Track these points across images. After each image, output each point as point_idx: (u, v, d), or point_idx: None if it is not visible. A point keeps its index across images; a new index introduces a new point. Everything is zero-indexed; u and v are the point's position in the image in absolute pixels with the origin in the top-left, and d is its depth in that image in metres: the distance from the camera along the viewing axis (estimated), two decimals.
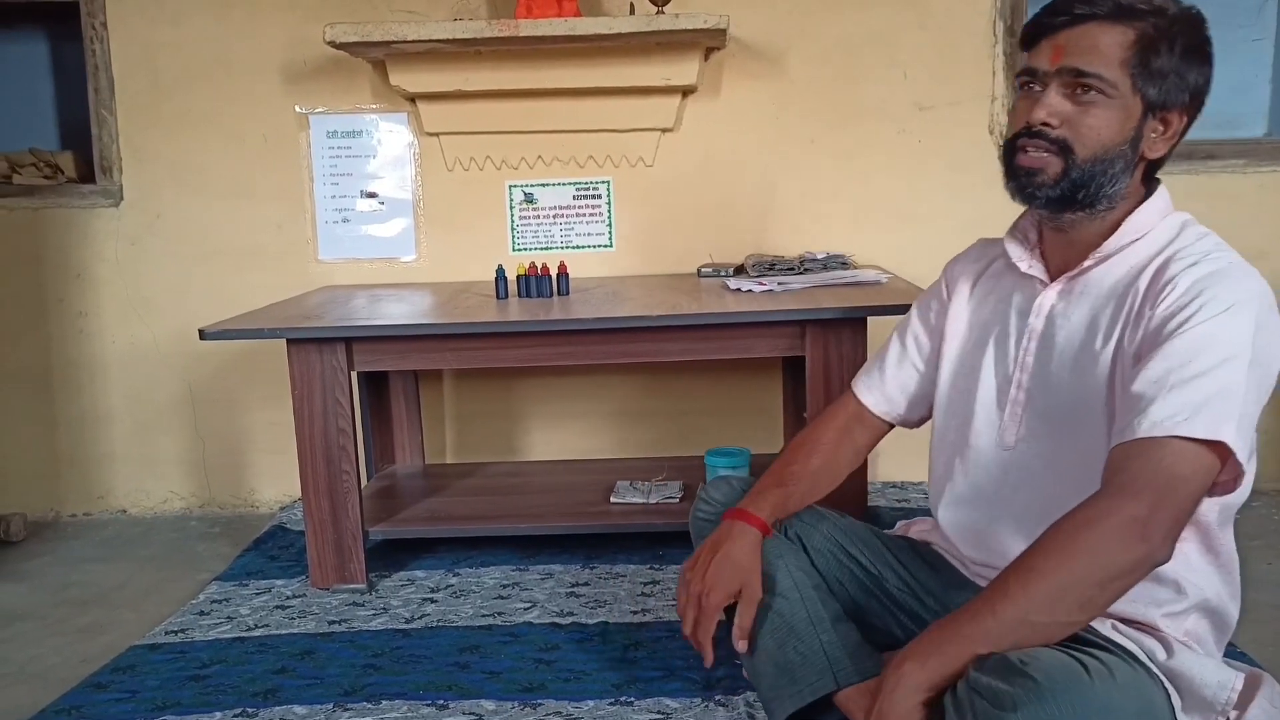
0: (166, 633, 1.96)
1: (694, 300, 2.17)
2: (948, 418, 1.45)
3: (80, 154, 2.84)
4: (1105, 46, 1.18)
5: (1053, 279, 1.32)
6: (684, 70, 2.54)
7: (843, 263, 2.46)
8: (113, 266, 2.77)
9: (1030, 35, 1.25)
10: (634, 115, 2.65)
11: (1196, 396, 1.08)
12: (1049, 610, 1.05)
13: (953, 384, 1.44)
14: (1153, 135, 1.22)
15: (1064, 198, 1.22)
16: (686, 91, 2.65)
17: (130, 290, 2.77)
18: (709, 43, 2.53)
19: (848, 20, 2.63)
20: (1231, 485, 1.15)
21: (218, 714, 1.62)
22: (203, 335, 2.03)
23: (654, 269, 2.74)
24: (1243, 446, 1.08)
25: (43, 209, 2.75)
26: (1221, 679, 1.16)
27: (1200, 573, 1.24)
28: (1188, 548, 1.22)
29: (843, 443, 1.55)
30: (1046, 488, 1.30)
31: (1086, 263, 1.27)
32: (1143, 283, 1.21)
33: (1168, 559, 1.05)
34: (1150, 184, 1.28)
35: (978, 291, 1.44)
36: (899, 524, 1.60)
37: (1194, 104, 1.23)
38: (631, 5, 2.49)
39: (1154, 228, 1.25)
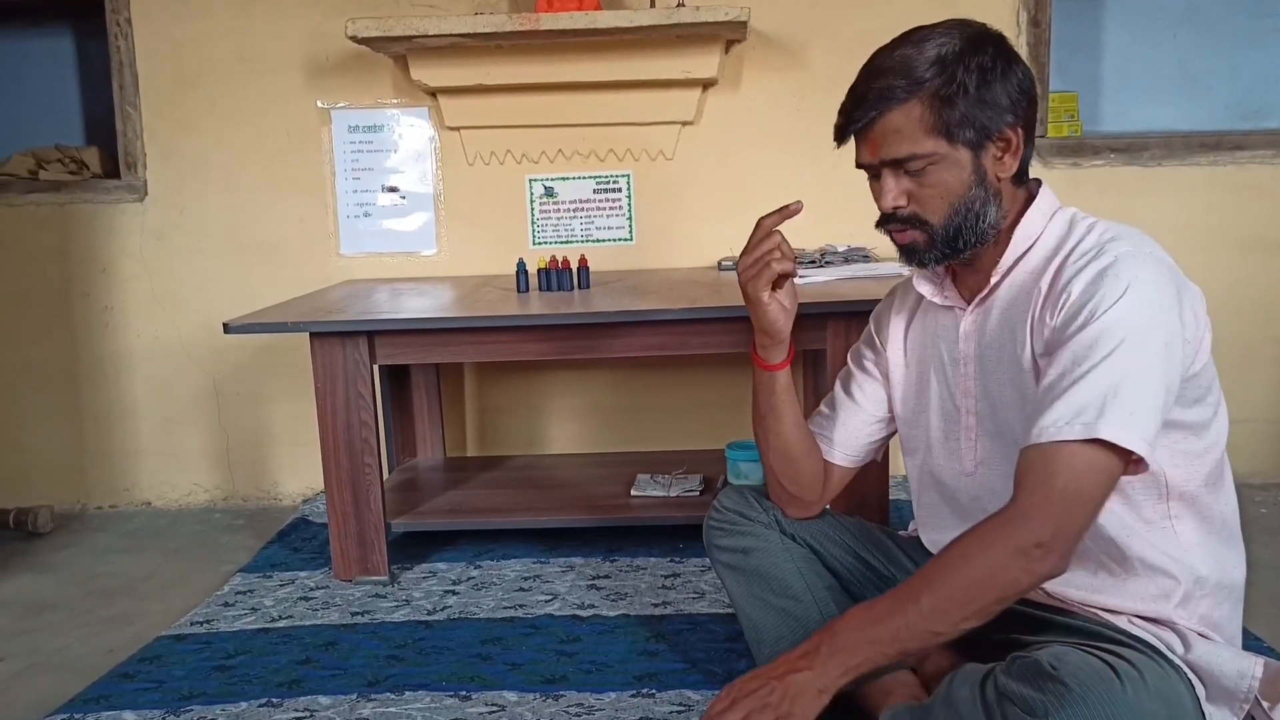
0: (192, 624, 1.98)
1: (714, 293, 2.17)
2: (910, 455, 1.48)
3: (105, 149, 2.87)
4: (905, 128, 1.22)
5: (968, 303, 1.35)
6: (704, 63, 2.53)
7: (864, 256, 2.45)
8: (138, 261, 2.79)
9: (842, 138, 1.30)
10: (654, 108, 2.64)
11: (1081, 398, 1.11)
12: (952, 621, 1.14)
13: (909, 422, 1.47)
14: (997, 159, 1.25)
15: (945, 254, 1.28)
16: (707, 84, 2.64)
17: (155, 285, 2.80)
18: (729, 35, 2.52)
19: (871, 12, 2.61)
20: (1143, 465, 1.14)
21: (243, 704, 1.63)
22: (227, 329, 2.04)
23: (674, 262, 2.74)
24: (1129, 429, 1.09)
25: (69, 204, 2.78)
26: (1241, 668, 1.16)
27: (1196, 551, 1.24)
28: (1181, 527, 1.22)
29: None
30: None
31: (993, 280, 1.30)
32: (1043, 285, 1.24)
33: (1062, 572, 1.12)
34: (1033, 186, 1.30)
35: (912, 333, 1.47)
36: (911, 524, 1.60)
37: (1022, 110, 1.24)
38: None
39: (1043, 230, 1.28)
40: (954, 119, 1.21)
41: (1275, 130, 2.78)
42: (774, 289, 1.39)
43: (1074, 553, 1.11)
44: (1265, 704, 1.17)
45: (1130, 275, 1.14)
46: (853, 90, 1.28)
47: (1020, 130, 1.25)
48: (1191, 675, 1.14)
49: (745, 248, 1.39)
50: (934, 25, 1.26)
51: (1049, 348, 1.19)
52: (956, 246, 1.26)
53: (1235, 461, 1.29)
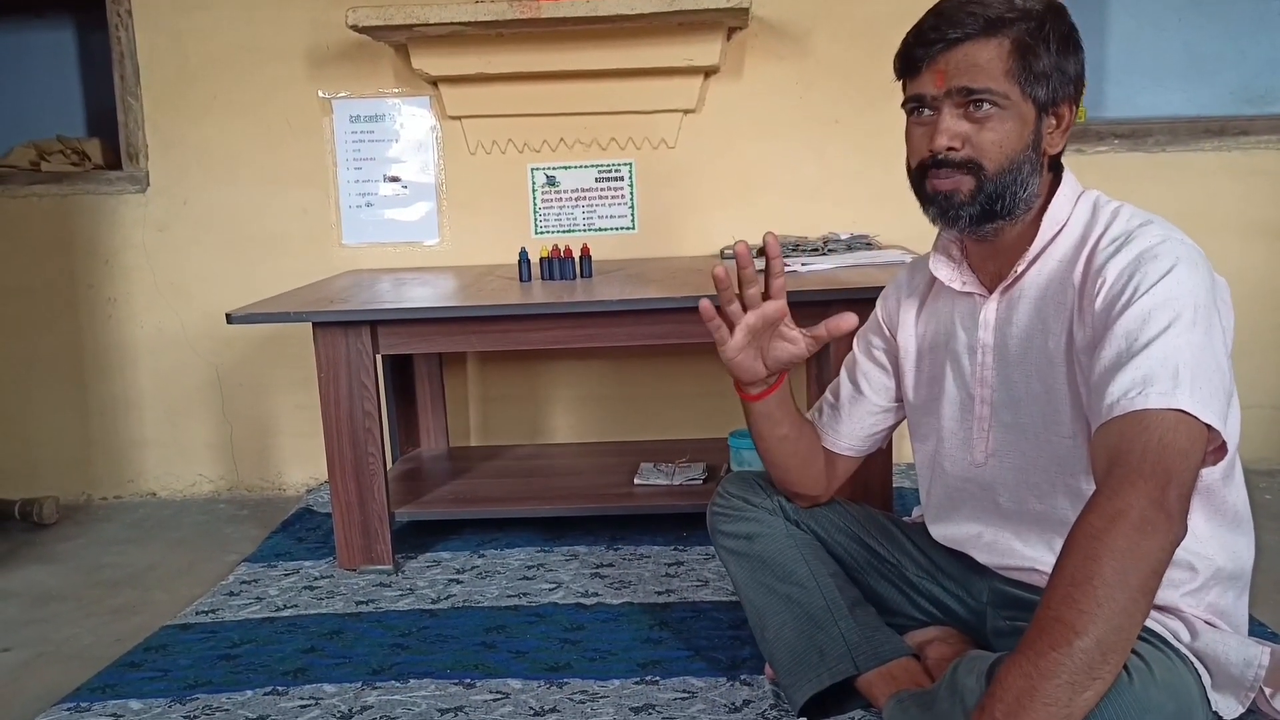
0: (197, 613, 1.99)
1: None
2: (920, 442, 1.46)
3: (107, 141, 2.87)
4: (986, 62, 1.18)
5: (989, 289, 1.31)
6: (706, 50, 2.52)
7: (866, 243, 2.44)
8: (141, 252, 2.79)
9: (906, 64, 1.25)
10: (656, 97, 2.64)
11: (1146, 369, 1.06)
12: (1114, 626, 0.96)
13: (921, 410, 1.44)
14: (1049, 133, 1.23)
15: (984, 213, 1.22)
16: (709, 72, 2.63)
17: (158, 276, 2.80)
18: (731, 22, 2.51)
19: None
20: (1219, 455, 1.12)
21: (248, 692, 1.64)
22: (230, 319, 2.04)
23: (676, 251, 2.74)
24: (1207, 408, 1.05)
25: (71, 196, 2.78)
26: (1247, 656, 1.15)
27: (1209, 542, 1.23)
28: (1193, 519, 1.20)
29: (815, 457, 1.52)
30: (1023, 492, 1.31)
31: (1019, 267, 1.27)
32: (1076, 276, 1.21)
33: (1184, 534, 1.02)
34: (1055, 171, 1.28)
35: (923, 318, 1.43)
36: (915, 510, 1.59)
37: (1077, 92, 1.24)
38: None
39: (1069, 216, 1.25)
40: (1034, 70, 1.19)
41: None
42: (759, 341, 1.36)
43: (1186, 516, 1.02)
44: (1268, 690, 1.16)
45: (1172, 257, 1.13)
46: (933, 15, 1.22)
47: (1073, 110, 1.24)
48: (1198, 664, 1.14)
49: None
50: None
51: (1095, 335, 1.15)
52: (995, 209, 1.22)
53: (1241, 448, 1.29)
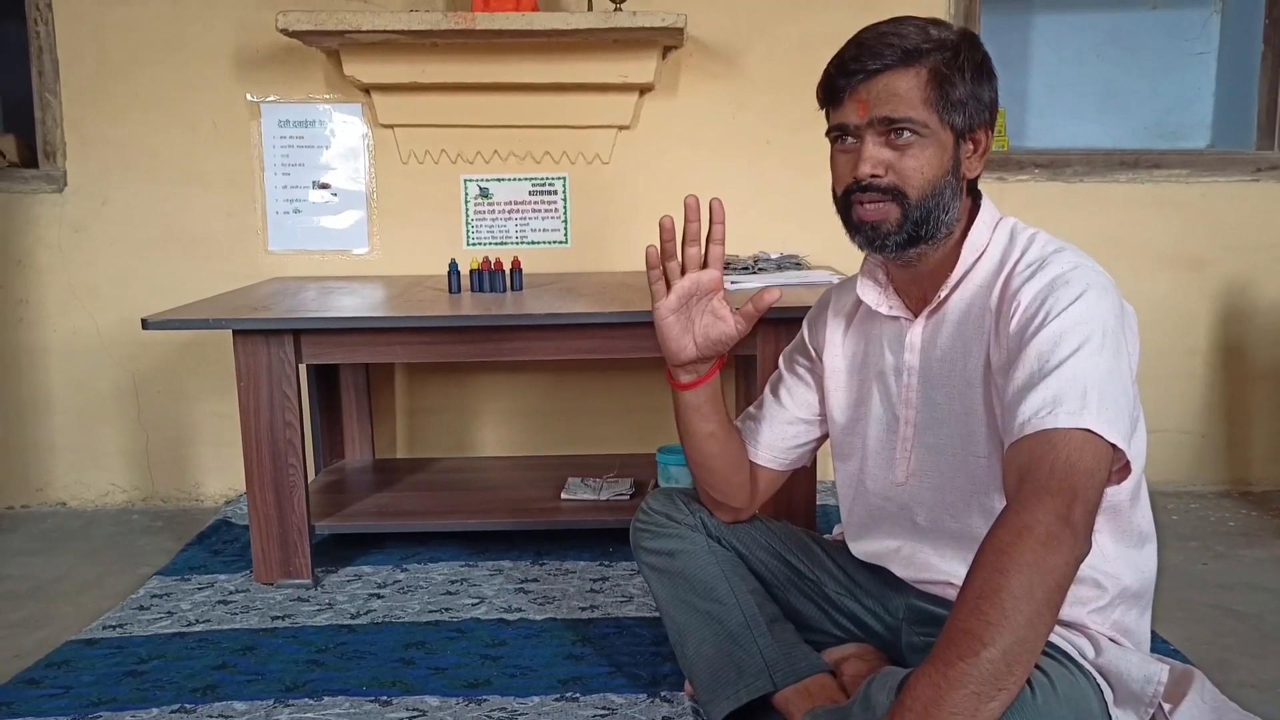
0: (104, 627, 1.92)
1: (647, 297, 2.16)
2: (843, 461, 1.49)
3: (23, 138, 2.77)
4: (905, 91, 1.22)
5: (914, 314, 1.35)
6: (641, 68, 2.54)
7: (796, 263, 2.48)
8: (56, 253, 2.70)
9: (829, 94, 1.29)
10: (591, 112, 2.64)
11: (1056, 389, 1.10)
12: (1020, 638, 0.98)
13: (846, 429, 1.47)
14: (967, 158, 1.28)
15: (909, 238, 1.26)
16: (644, 90, 2.65)
17: (74, 278, 2.71)
18: (667, 41, 2.53)
19: (808, 22, 2.64)
20: (1123, 474, 1.16)
21: (154, 710, 1.59)
22: (146, 325, 1.99)
23: (609, 266, 2.74)
24: (1113, 428, 1.08)
25: None
26: (1148, 673, 1.18)
27: (1116, 561, 1.27)
28: (1101, 539, 1.24)
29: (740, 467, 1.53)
30: (940, 511, 1.34)
31: (943, 293, 1.30)
32: (994, 300, 1.25)
33: (1089, 550, 1.05)
34: (974, 196, 1.33)
35: (850, 340, 1.46)
36: (836, 528, 1.62)
37: (992, 117, 1.29)
38: (590, 1, 2.49)
39: (988, 242, 1.30)
40: (951, 98, 1.22)
41: (1191, 150, 2.88)
42: (691, 309, 1.37)
43: (1091, 534, 1.05)
44: (1166, 706, 1.20)
45: (1083, 283, 1.17)
46: (853, 46, 1.25)
47: (989, 135, 1.28)
48: (1100, 680, 1.17)
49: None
50: (926, 18, 1.27)
51: (1009, 357, 1.19)
52: (919, 234, 1.25)
53: (1148, 470, 1.33)
